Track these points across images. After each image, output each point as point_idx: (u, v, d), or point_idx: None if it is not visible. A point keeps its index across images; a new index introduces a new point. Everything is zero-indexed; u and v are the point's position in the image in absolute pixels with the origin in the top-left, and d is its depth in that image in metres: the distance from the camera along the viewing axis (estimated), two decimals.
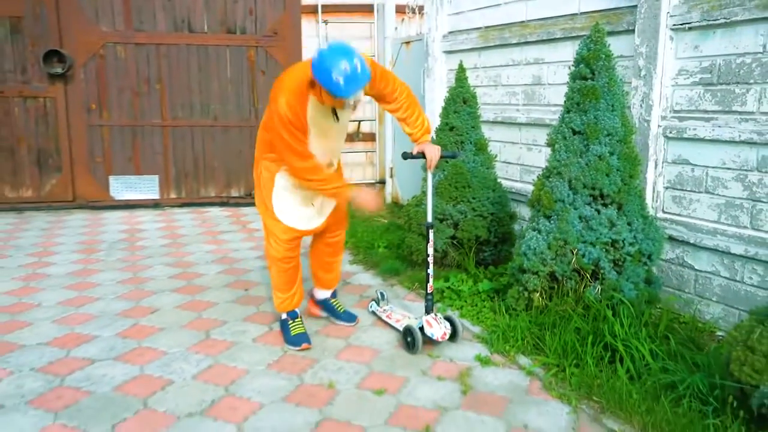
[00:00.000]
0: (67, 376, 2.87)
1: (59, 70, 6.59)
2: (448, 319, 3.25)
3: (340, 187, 2.98)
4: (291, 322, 3.31)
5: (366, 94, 2.97)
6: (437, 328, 3.13)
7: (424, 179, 3.49)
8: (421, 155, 3.19)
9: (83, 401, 2.65)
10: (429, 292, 3.26)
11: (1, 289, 4.11)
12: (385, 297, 3.71)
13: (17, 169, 6.77)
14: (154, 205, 7.14)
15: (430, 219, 3.28)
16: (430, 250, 3.27)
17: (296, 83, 2.78)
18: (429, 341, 3.17)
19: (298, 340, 3.21)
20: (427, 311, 3.24)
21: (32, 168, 6.81)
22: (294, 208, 3.15)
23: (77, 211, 6.85)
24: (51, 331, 3.40)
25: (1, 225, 6.11)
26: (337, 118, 3.01)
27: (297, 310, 3.39)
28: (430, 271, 3.26)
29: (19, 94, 6.63)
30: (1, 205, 6.77)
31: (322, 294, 3.62)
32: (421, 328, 3.16)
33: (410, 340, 3.16)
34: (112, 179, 7.02)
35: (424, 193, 3.53)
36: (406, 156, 3.23)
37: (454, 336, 3.24)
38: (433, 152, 3.15)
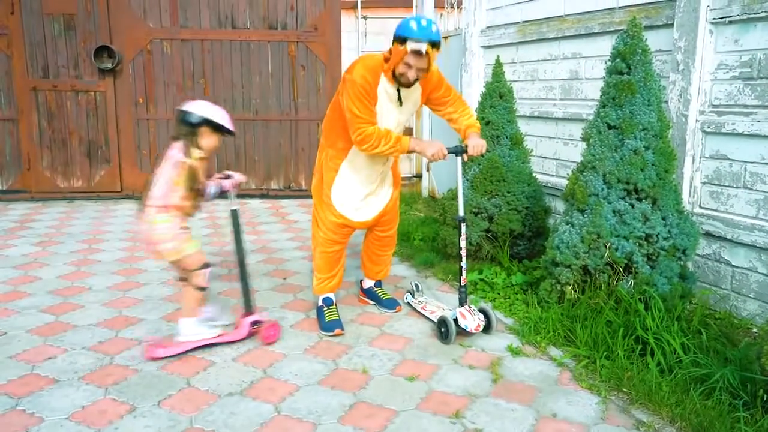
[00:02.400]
0: (116, 355, 3.04)
1: (109, 65, 6.85)
2: (482, 311, 3.30)
3: (402, 142, 3.12)
4: (326, 309, 3.45)
5: (427, 98, 3.34)
6: (471, 320, 3.19)
7: None
8: (463, 148, 3.24)
9: (131, 378, 2.80)
10: (462, 284, 3.32)
11: (55, 274, 4.34)
12: (420, 288, 3.79)
13: (69, 160, 7.08)
14: None
15: (461, 213, 3.33)
16: (463, 243, 3.32)
17: (371, 61, 3.11)
18: (461, 332, 3.24)
19: (332, 326, 3.32)
20: (461, 303, 3.30)
21: (83, 159, 7.11)
22: (350, 200, 3.34)
23: (124, 201, 7.11)
24: (101, 314, 3.59)
25: (53, 213, 6.41)
26: (401, 102, 3.22)
27: (333, 298, 3.52)
28: (463, 263, 3.31)
29: (72, 88, 6.92)
30: (54, 195, 7.09)
31: (368, 283, 3.83)
32: (455, 320, 3.22)
33: (444, 330, 3.22)
34: None
35: None
36: (449, 151, 3.22)
37: (488, 327, 3.29)
38: (477, 144, 3.20)
